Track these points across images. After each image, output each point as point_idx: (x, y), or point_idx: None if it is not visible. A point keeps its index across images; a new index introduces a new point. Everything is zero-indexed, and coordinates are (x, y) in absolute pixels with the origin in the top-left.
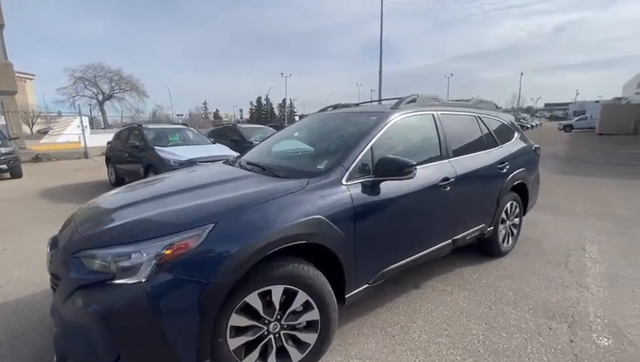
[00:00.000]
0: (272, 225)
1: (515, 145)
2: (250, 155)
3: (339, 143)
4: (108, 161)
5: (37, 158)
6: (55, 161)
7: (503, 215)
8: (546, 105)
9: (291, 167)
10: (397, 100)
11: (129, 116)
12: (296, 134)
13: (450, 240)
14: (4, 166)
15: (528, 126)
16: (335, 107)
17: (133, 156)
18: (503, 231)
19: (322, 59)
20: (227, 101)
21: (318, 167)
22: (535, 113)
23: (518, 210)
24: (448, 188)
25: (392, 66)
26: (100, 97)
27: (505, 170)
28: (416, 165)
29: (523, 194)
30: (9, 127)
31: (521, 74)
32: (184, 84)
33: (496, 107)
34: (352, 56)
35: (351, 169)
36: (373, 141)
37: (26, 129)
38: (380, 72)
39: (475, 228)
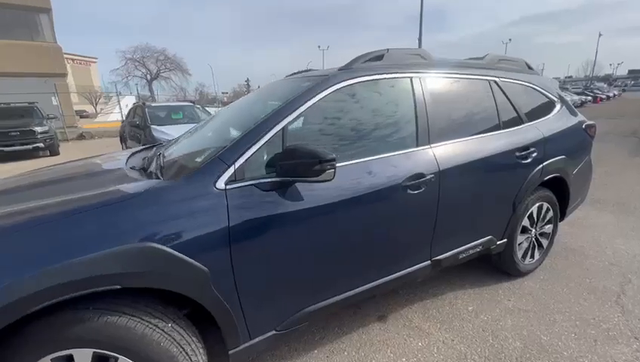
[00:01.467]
0: (49, 260)
1: (553, 122)
2: (178, 140)
3: (243, 123)
4: (121, 140)
5: (81, 136)
6: (97, 138)
7: (526, 221)
8: (630, 72)
9: (176, 160)
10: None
11: (174, 95)
12: (237, 108)
13: (428, 262)
14: (41, 144)
15: (603, 97)
16: (306, 71)
17: (137, 135)
18: (525, 244)
19: (365, 30)
20: (269, 77)
21: (197, 159)
22: (614, 81)
23: (551, 214)
24: (423, 189)
25: (440, 35)
26: (149, 77)
27: (530, 160)
28: (333, 160)
29: (561, 191)
30: (61, 108)
31: (599, 35)
32: (228, 63)
33: (528, 67)
34: (397, 26)
35: (238, 164)
36: (287, 120)
37: (91, 108)
38: (420, 39)
39: (475, 243)
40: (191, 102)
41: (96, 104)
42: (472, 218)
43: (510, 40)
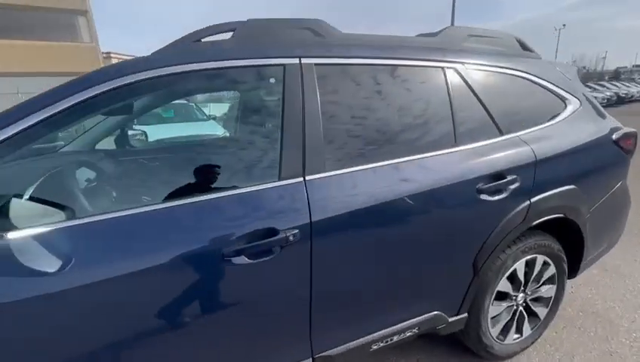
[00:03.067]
0: None
1: (556, 132)
2: None
3: None
4: None
5: None
6: None
7: (504, 284)
8: None
9: None
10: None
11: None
12: None
13: (307, 361)
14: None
15: None
16: None
17: None
18: (505, 316)
19: (401, 23)
20: None
21: None
22: None
23: (552, 271)
24: (273, 256)
25: (490, 22)
26: None
27: (505, 194)
28: None
29: (571, 237)
30: None
31: None
32: None
33: (523, 47)
34: (440, 16)
35: None
36: None
37: None
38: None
39: (401, 327)
40: (186, 99)
41: None
42: (388, 291)
43: (564, 26)
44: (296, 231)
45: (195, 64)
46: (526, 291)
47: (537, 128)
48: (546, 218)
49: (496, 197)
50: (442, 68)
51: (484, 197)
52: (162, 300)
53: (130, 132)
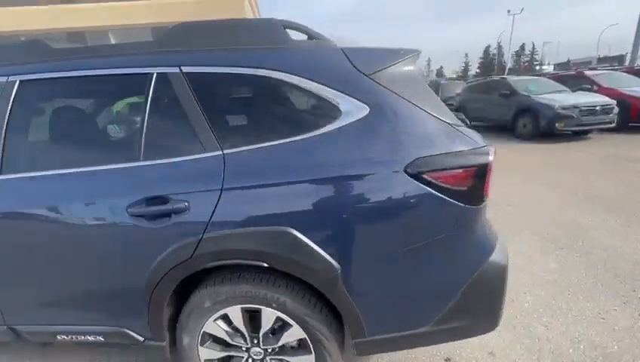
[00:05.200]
0: None
1: (289, 152)
2: None
3: None
4: None
5: None
6: None
7: (214, 328)
8: None
9: None
10: None
11: None
12: None
13: None
14: None
15: None
16: None
17: None
18: (215, 353)
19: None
20: (451, 55)
21: None
22: None
23: (302, 336)
24: None
25: None
26: None
27: (168, 221)
28: None
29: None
30: None
31: None
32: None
33: (309, 36)
34: None
35: None
36: None
37: None
38: None
39: (81, 329)
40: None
41: None
42: (53, 295)
43: None
44: None
45: None
46: (261, 345)
47: (260, 146)
48: (235, 261)
49: (158, 225)
50: (148, 75)
51: (136, 221)
52: None
53: None
